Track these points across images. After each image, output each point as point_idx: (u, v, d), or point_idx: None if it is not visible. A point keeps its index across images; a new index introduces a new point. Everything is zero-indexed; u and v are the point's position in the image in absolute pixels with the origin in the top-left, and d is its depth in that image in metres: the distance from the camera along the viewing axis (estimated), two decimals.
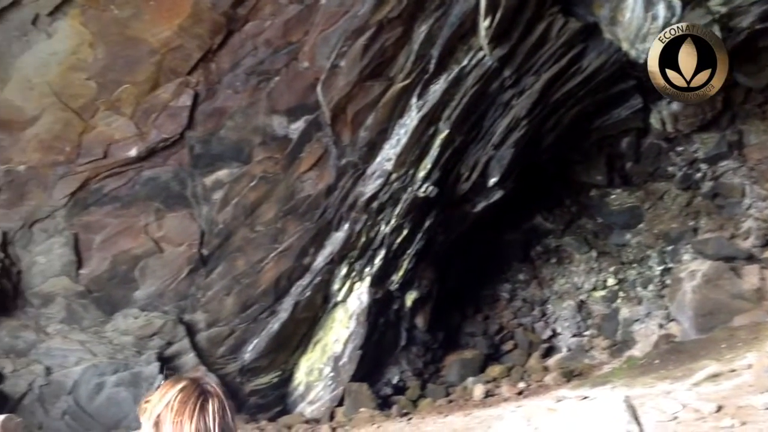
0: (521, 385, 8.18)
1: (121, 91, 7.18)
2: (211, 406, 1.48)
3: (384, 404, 7.87)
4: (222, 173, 7.54)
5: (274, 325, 7.81)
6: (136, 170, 7.37)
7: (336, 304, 8.02)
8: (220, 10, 7.26)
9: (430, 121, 7.82)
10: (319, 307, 7.99)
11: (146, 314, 7.53)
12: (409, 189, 7.95)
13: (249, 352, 7.74)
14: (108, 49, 7.05)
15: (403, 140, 7.77)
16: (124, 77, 7.16)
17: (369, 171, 7.85)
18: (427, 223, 8.20)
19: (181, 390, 1.49)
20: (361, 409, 7.65)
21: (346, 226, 7.87)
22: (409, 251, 8.23)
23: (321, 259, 7.87)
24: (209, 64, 7.36)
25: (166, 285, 7.57)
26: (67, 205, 7.27)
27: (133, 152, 7.32)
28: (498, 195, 8.56)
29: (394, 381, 8.27)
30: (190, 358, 7.59)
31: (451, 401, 7.88)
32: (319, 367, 7.95)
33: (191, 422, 1.46)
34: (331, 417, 7.75)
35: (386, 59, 7.60)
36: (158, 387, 1.52)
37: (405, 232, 8.05)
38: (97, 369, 7.36)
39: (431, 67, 7.68)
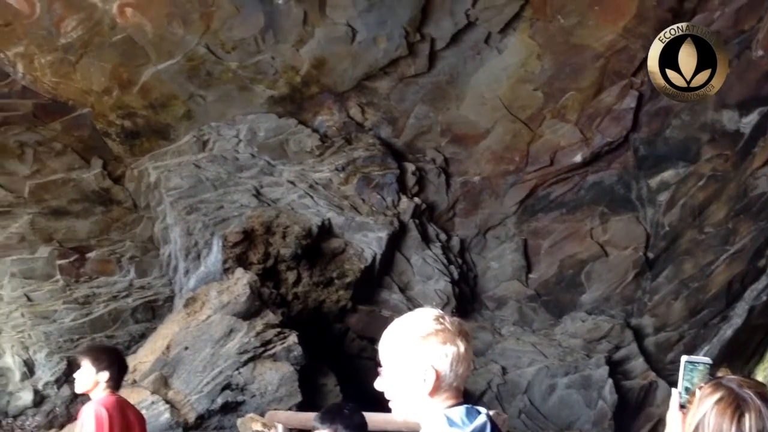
0: None
1: (566, 98, 8.14)
2: (748, 421, 1.59)
3: None
4: (668, 174, 8.19)
5: (727, 331, 8.29)
6: (581, 175, 8.30)
7: None
8: (667, 6, 7.84)
9: None
10: None
11: (593, 318, 8.49)
12: None
13: None
14: (554, 58, 8.04)
15: None
16: (569, 84, 8.10)
17: None
18: None
19: (718, 401, 1.63)
20: None
21: None
22: None
23: None
24: None
25: (612, 289, 8.46)
26: (517, 212, 8.43)
27: (578, 158, 8.27)
28: None
29: None
30: (638, 363, 8.38)
31: None
32: None
33: None
34: None
35: None
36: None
37: None
38: (549, 370, 8.50)
39: None
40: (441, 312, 1.91)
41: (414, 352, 1.84)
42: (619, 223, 8.26)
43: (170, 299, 8.17)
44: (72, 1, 7.08)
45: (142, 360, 7.71)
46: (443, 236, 8.44)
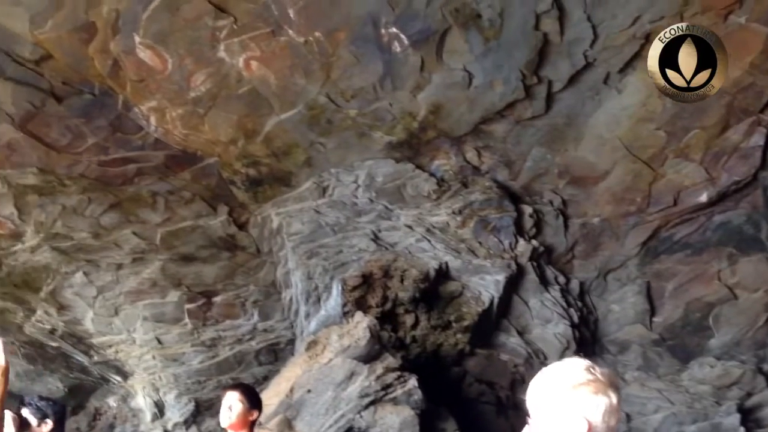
0: None
1: (690, 137, 7.93)
2: None
3: None
4: None
5: None
6: (706, 215, 8.04)
7: None
8: None
9: None
10: None
11: (722, 363, 8.14)
12: None
13: None
14: None
15: None
16: (692, 123, 7.86)
17: None
18: None
19: None
20: None
21: None
22: None
23: None
24: None
25: (742, 333, 8.12)
26: (639, 254, 8.23)
27: (703, 197, 8.03)
28: None
29: None
30: None
31: None
32: None
33: None
34: None
35: None
36: None
37: None
38: (676, 418, 8.19)
39: None
40: (591, 362, 1.91)
41: (565, 402, 1.83)
42: (749, 265, 7.95)
43: (292, 342, 8.33)
44: (201, 57, 7.36)
45: (266, 402, 7.82)
46: (562, 279, 8.32)
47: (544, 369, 1.93)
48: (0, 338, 3.54)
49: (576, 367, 1.87)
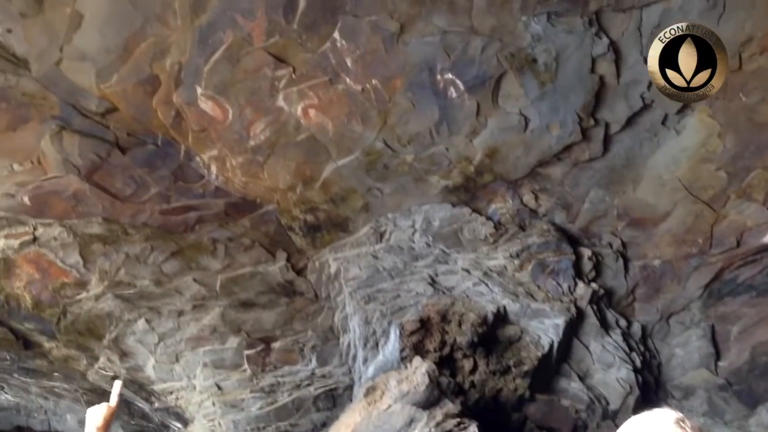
0: None
1: (752, 177, 7.82)
2: None
3: None
4: None
5: None
6: None
7: None
8: None
9: None
10: None
11: None
12: None
13: None
14: (737, 137, 7.76)
15: None
16: (754, 163, 7.76)
17: None
18: None
19: None
20: None
21: None
22: None
23: None
24: None
25: None
26: (702, 297, 8.11)
27: (766, 239, 7.97)
28: None
29: None
30: None
31: None
32: None
33: None
34: None
35: None
36: None
37: None
38: None
39: None
40: (681, 414, 1.82)
41: None
42: None
43: (350, 388, 8.29)
44: (261, 106, 7.48)
45: None
46: (623, 322, 8.18)
47: (632, 418, 1.87)
48: (119, 381, 3.56)
49: (666, 419, 1.80)
